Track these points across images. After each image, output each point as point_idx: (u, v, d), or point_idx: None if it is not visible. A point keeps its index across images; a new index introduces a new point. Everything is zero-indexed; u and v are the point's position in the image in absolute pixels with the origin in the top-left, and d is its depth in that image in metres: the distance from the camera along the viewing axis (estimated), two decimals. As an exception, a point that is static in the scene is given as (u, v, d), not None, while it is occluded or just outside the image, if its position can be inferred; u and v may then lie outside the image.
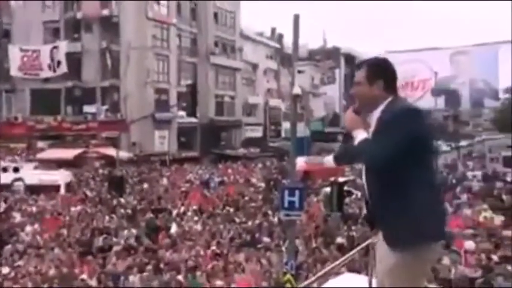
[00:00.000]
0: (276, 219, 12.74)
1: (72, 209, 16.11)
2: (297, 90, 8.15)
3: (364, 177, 2.43)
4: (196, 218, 14.01)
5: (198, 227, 12.93)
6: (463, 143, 59.64)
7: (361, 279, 4.19)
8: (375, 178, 2.32)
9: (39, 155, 29.53)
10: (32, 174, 22.62)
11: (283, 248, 9.56)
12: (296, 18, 7.86)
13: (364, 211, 2.57)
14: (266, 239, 11.19)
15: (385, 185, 2.26)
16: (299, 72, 8.37)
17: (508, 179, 19.81)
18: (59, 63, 34.17)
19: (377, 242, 2.48)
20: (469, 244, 9.25)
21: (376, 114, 2.33)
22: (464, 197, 16.11)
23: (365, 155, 2.29)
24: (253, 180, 23.41)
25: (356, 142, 2.32)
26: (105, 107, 34.52)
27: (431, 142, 2.45)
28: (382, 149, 2.18)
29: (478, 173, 24.33)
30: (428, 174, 2.32)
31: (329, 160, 2.71)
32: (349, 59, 51.57)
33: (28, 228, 13.54)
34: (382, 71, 2.39)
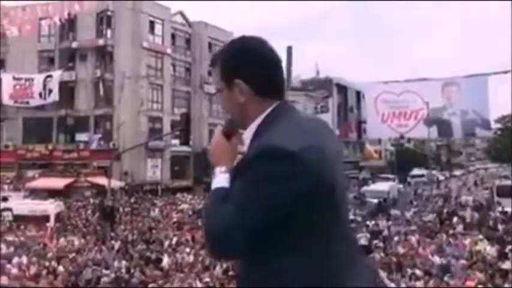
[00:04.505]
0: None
1: (61, 240, 15.70)
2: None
3: None
4: (188, 249, 13.70)
5: (191, 258, 12.63)
6: (457, 172, 60.24)
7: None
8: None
9: (29, 184, 29.04)
10: (20, 204, 22.10)
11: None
12: (289, 50, 7.98)
13: None
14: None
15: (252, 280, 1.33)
16: (292, 102, 8.35)
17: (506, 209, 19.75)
18: (50, 91, 34.22)
19: None
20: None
21: (251, 130, 1.41)
22: (460, 227, 15.98)
23: (214, 227, 1.29)
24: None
25: (212, 188, 1.42)
26: (97, 136, 34.38)
27: (336, 196, 1.31)
28: (242, 217, 1.23)
29: (470, 198, 24.48)
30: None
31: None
32: (341, 88, 52.29)
33: (15, 260, 13.11)
34: (241, 63, 1.39)
